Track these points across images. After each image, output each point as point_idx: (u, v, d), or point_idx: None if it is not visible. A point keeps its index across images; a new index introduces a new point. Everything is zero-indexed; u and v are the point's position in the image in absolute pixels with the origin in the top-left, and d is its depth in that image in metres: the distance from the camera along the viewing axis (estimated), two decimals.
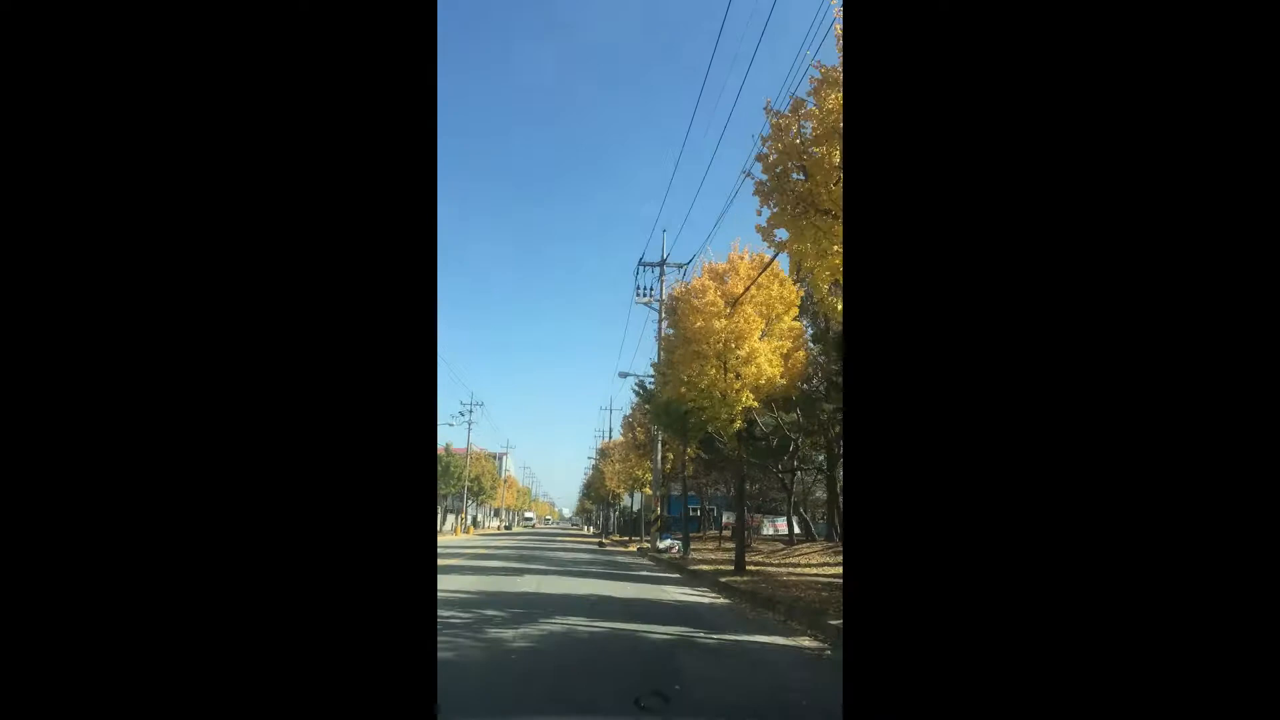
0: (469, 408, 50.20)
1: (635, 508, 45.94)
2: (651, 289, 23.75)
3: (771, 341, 11.63)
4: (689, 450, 17.96)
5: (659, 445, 22.83)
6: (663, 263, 23.63)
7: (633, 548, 27.13)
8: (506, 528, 73.18)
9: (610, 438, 46.47)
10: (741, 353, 11.51)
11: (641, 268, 23.71)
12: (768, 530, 23.43)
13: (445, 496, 46.75)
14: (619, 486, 42.10)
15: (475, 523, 64.29)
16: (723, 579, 11.34)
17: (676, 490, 36.93)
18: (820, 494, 22.67)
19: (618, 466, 42.23)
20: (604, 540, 29.33)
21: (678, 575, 13.69)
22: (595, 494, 54.84)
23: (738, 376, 11.64)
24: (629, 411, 24.49)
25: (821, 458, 19.81)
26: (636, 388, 18.82)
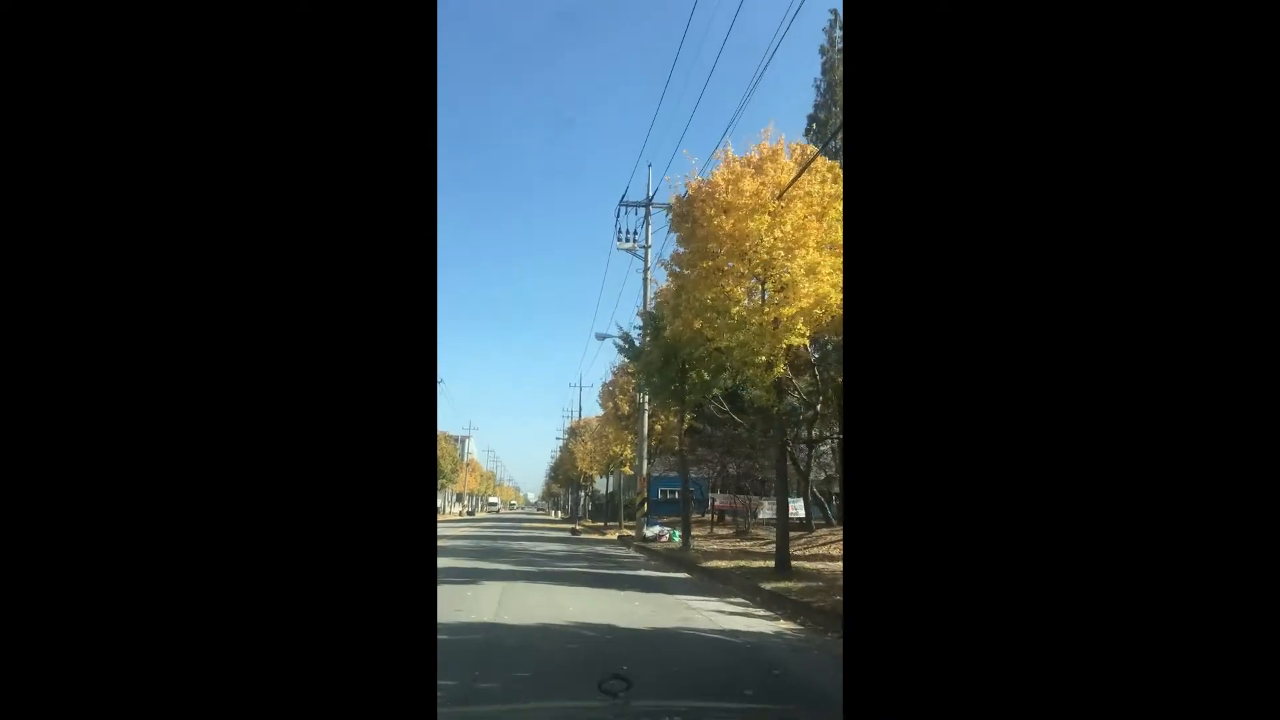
0: None
1: (609, 490, 42.86)
2: (635, 233, 20.14)
3: (834, 255, 8.05)
4: (683, 418, 14.46)
5: (645, 415, 19.29)
6: (648, 201, 20.02)
7: (611, 535, 23.67)
8: (469, 513, 69.27)
9: (581, 416, 42.95)
10: (797, 264, 7.94)
11: (624, 209, 20.06)
12: (765, 514, 20.20)
13: None
14: (592, 467, 38.64)
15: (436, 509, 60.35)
16: (765, 584, 7.96)
17: (658, 470, 33.57)
18: (823, 473, 19.52)
19: (590, 446, 38.75)
20: (577, 527, 25.81)
21: (687, 575, 10.28)
22: (564, 476, 51.26)
23: (787, 301, 8.07)
24: (609, 378, 20.89)
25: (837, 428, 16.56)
26: (621, 341, 15.21)
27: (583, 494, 49.24)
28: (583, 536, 23.49)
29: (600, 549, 16.98)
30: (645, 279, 19.54)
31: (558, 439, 59.00)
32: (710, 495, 28.87)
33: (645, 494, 19.66)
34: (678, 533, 18.40)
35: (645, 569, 11.50)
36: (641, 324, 15.14)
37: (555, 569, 10.85)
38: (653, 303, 15.70)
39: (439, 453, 50.66)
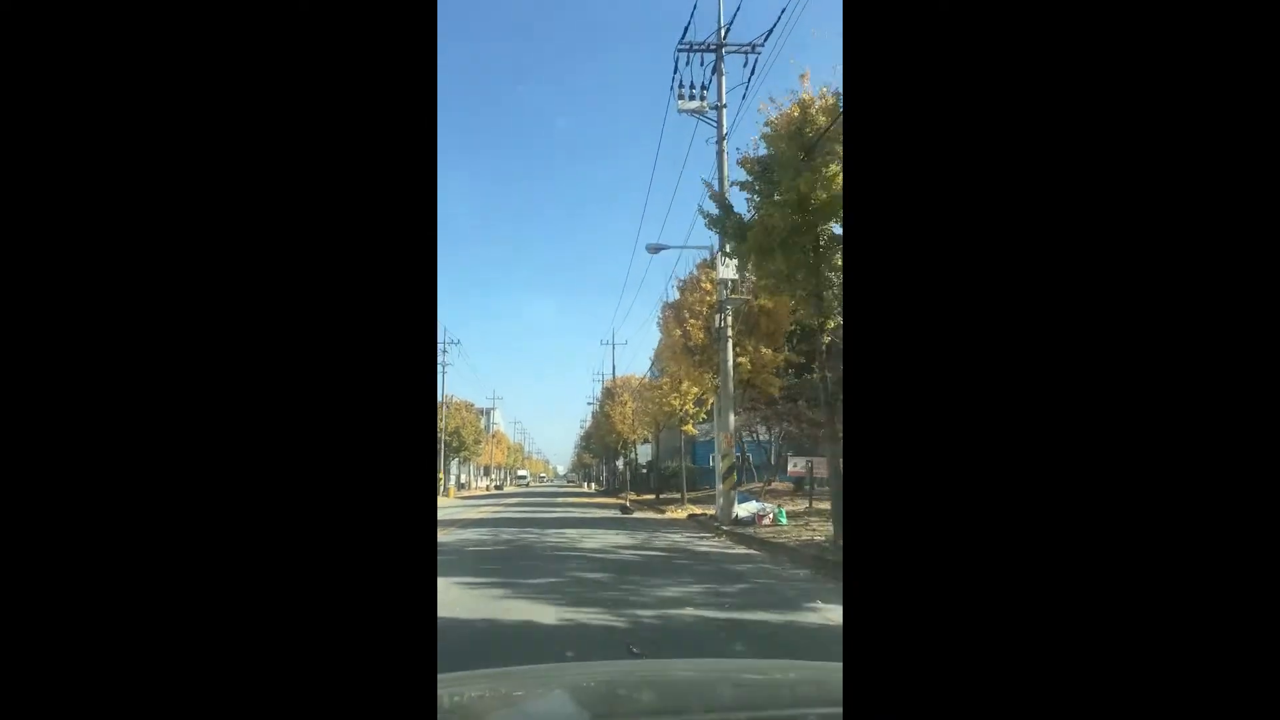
0: (442, 346, 40.47)
1: (652, 457, 37.44)
2: (704, 87, 14.05)
3: None
4: (822, 327, 8.46)
5: (729, 345, 13.35)
6: (721, 43, 13.92)
7: (676, 513, 18.03)
8: (497, 487, 64.26)
9: (615, 375, 37.25)
10: None
11: (686, 54, 13.97)
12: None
13: None
14: (634, 431, 33.10)
15: (460, 483, 55.41)
16: None
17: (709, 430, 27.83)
18: None
19: (630, 407, 33.13)
20: (627, 503, 20.14)
21: None
22: (599, 444, 45.79)
23: None
24: (670, 299, 14.89)
25: None
26: (713, 208, 9.20)
27: (621, 463, 43.76)
28: (638, 516, 17.81)
29: (677, 538, 11.27)
30: (721, 150, 13.51)
31: (589, 404, 53.48)
32: (778, 458, 23.41)
33: (732, 456, 13.74)
34: (784, 511, 12.64)
35: (825, 600, 5.68)
36: (717, 211, 9.20)
37: (660, 615, 5.07)
38: (732, 190, 9.77)
39: (460, 423, 45.51)
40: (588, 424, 65.07)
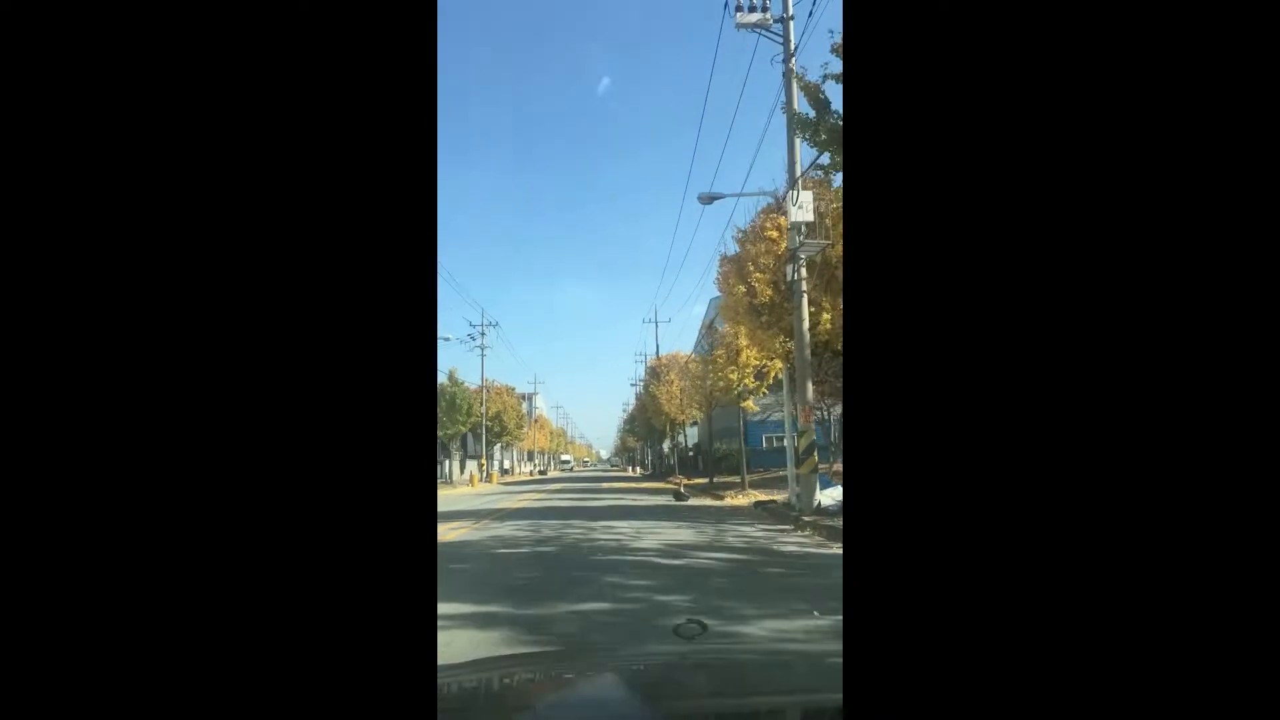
0: (479, 329, 38.91)
1: (698, 438, 35.48)
2: (765, 4, 11.81)
3: None
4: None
5: (803, 300, 11.17)
6: None
7: (736, 499, 16.04)
8: (541, 473, 63.11)
9: (659, 354, 35.23)
10: None
11: None
12: None
13: (451, 438, 36.02)
14: (682, 411, 31.12)
15: (504, 469, 54.25)
16: None
17: (772, 406, 25.58)
18: None
19: (677, 386, 31.13)
20: (681, 488, 18.15)
21: None
22: (644, 427, 43.94)
23: None
24: (729, 252, 12.71)
25: None
26: (800, 125, 7.04)
27: (666, 445, 41.83)
28: (694, 504, 15.84)
29: (752, 533, 9.25)
30: (789, 72, 11.28)
31: (632, 385, 51.61)
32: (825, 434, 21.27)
33: (812, 433, 11.62)
34: None
35: None
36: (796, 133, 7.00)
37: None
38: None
39: (502, 407, 44.15)
40: (630, 407, 63.48)
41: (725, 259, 12.67)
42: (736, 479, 24.75)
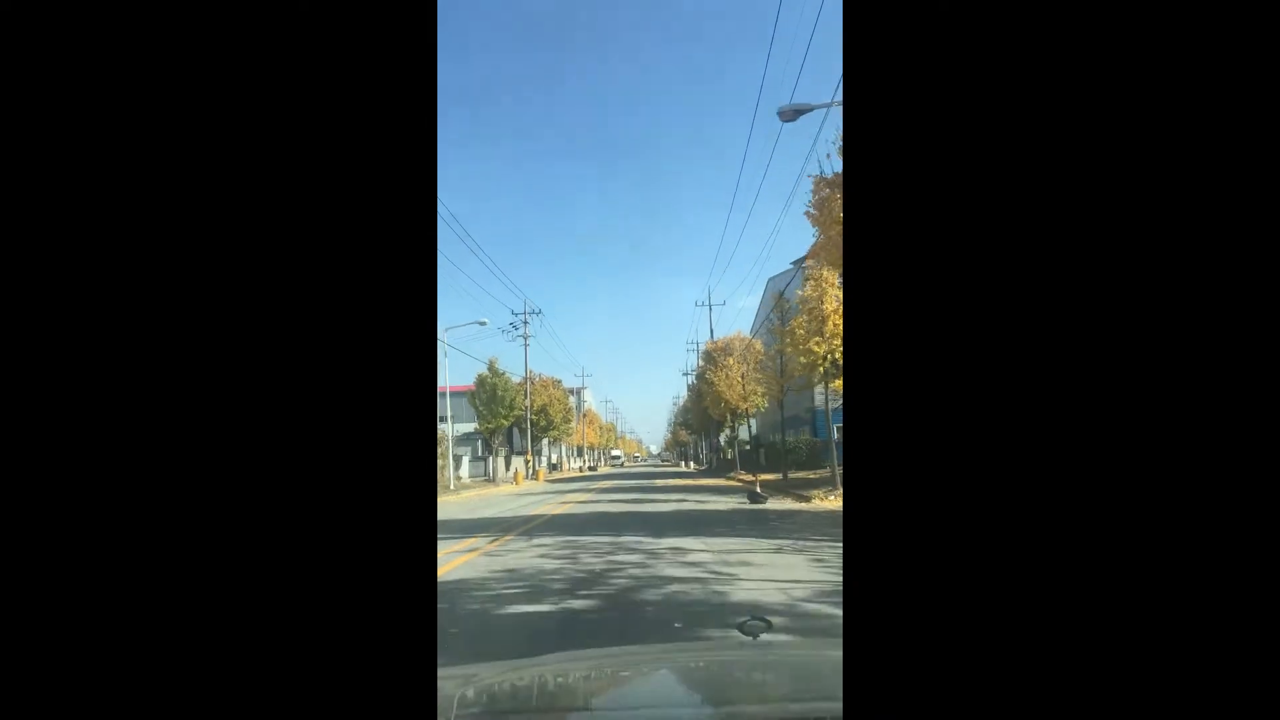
0: (521, 316, 36.22)
1: (757, 430, 32.13)
2: None
3: None
4: None
5: None
6: None
7: (833, 502, 12.77)
8: (590, 468, 60.44)
9: (714, 337, 31.99)
10: None
11: None
12: None
13: (495, 432, 33.38)
14: (746, 399, 27.93)
15: (553, 464, 51.77)
16: None
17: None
18: None
19: (737, 371, 27.91)
20: (757, 487, 14.90)
21: None
22: (699, 419, 40.75)
23: None
24: (829, 171, 9.48)
25: None
26: None
27: (723, 437, 38.56)
28: (775, 508, 12.63)
29: None
30: None
31: (684, 374, 48.39)
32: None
33: None
34: None
35: None
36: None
37: None
38: None
39: (547, 400, 41.50)
40: (681, 399, 60.48)
41: (822, 181, 9.39)
42: (812, 474, 21.51)
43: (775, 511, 11.76)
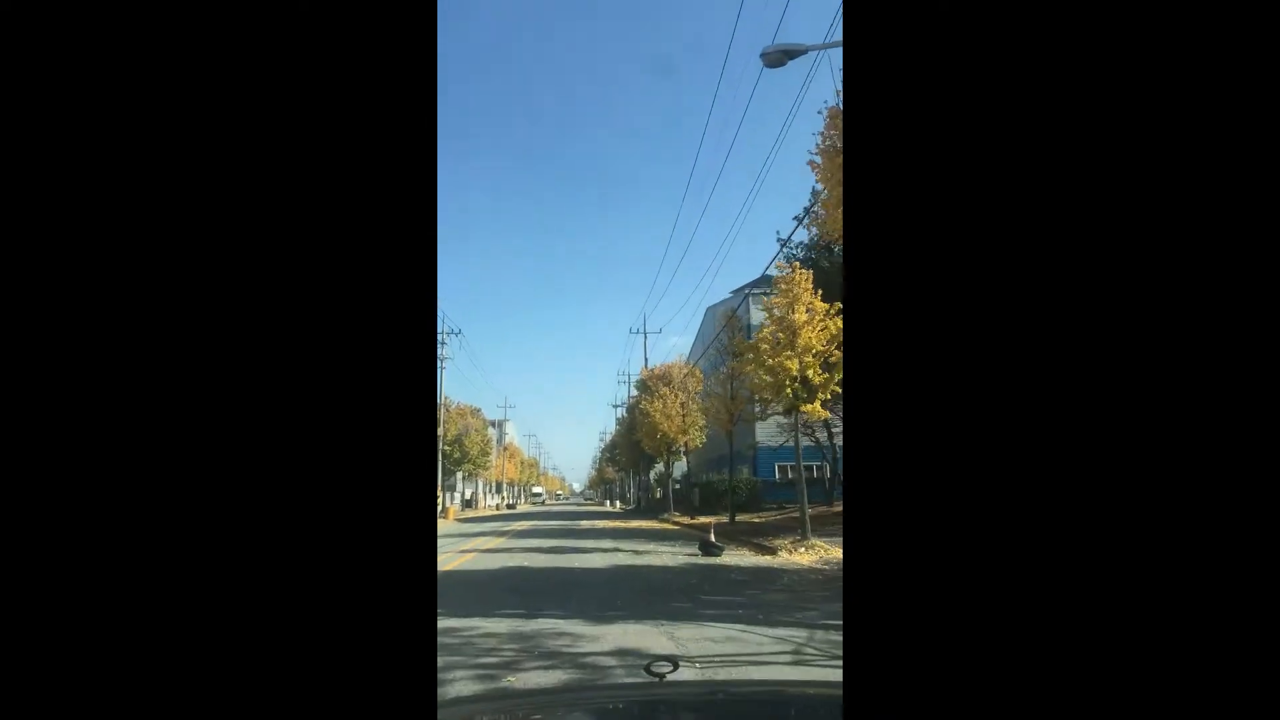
0: (441, 338, 32.68)
1: (683, 471, 29.32)
2: None
3: None
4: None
5: None
6: None
7: (803, 557, 10.08)
8: (509, 506, 56.20)
9: (649, 364, 29.36)
10: None
11: None
12: None
13: None
14: (686, 430, 25.23)
15: (467, 501, 47.53)
16: None
17: (766, 433, 19.62)
18: None
19: (675, 401, 25.26)
20: (711, 535, 12.09)
21: None
22: (627, 455, 37.83)
23: None
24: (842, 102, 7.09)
25: None
26: None
27: (654, 475, 35.71)
28: (736, 563, 9.87)
29: None
30: None
31: (615, 406, 45.46)
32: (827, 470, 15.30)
33: None
34: None
35: None
36: None
37: None
38: None
39: (462, 429, 37.76)
40: (609, 434, 57.43)
41: (834, 115, 6.87)
42: (756, 518, 18.95)
43: (740, 570, 9.00)
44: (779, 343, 11.63)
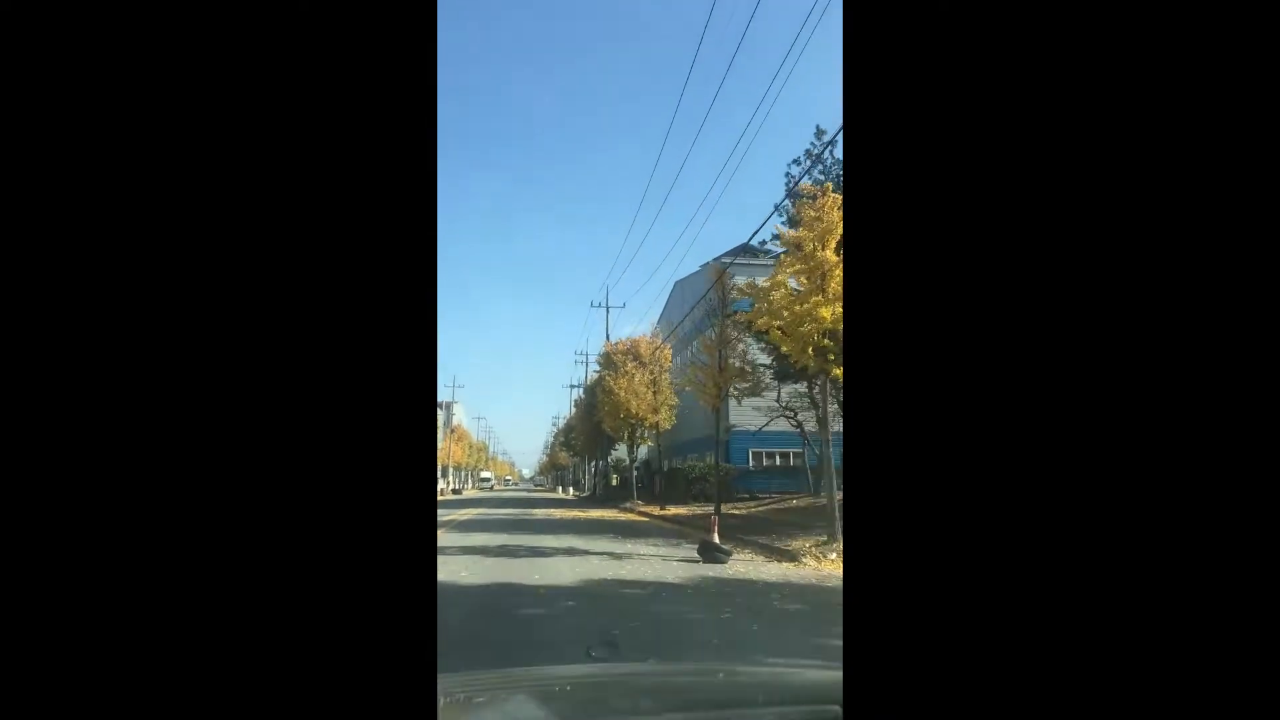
0: None
1: (644, 457, 26.70)
2: None
3: None
4: None
5: None
6: None
7: (834, 566, 7.60)
8: (455, 491, 52.74)
9: (611, 338, 26.49)
10: None
11: None
12: None
13: None
14: (658, 409, 22.49)
15: None
16: None
17: (746, 416, 17.03)
18: None
19: (642, 378, 22.48)
20: (713, 531, 9.45)
21: None
22: (587, 437, 34.93)
23: None
24: None
25: None
26: None
27: (613, 458, 32.95)
28: (756, 575, 7.15)
29: None
30: None
31: (573, 387, 42.47)
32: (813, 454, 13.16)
33: None
34: None
35: None
36: None
37: None
38: None
39: None
40: (561, 421, 54.26)
41: None
42: (739, 509, 16.35)
43: (771, 586, 6.29)
44: (809, 287, 8.88)
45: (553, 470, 75.68)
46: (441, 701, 1.04)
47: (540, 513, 20.25)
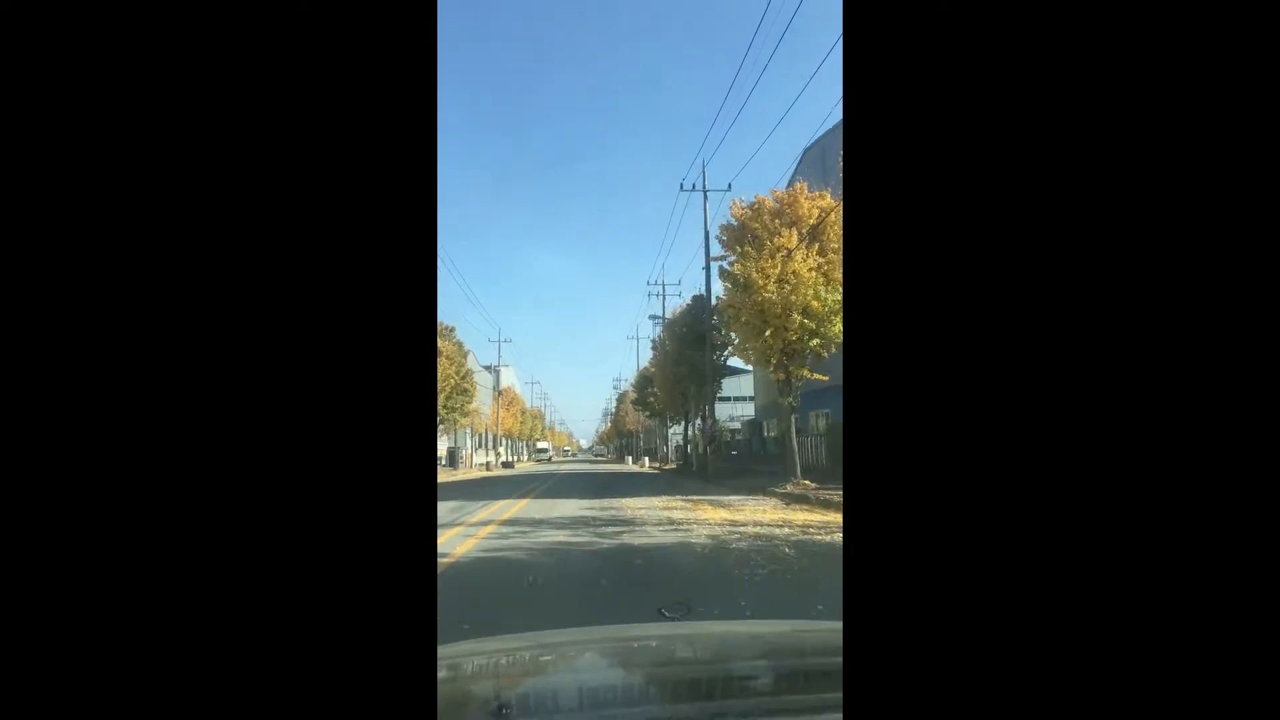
0: None
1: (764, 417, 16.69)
2: None
3: None
4: None
5: None
6: None
7: None
8: (505, 465, 43.52)
9: (709, 231, 16.13)
10: None
11: None
12: None
13: None
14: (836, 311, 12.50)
15: (448, 459, 34.91)
16: None
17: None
18: None
19: (804, 261, 12.00)
20: None
21: None
22: (670, 391, 24.72)
23: None
24: None
25: None
26: None
27: (695, 426, 22.83)
28: None
29: None
30: None
31: (653, 319, 32.22)
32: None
33: None
34: None
35: None
36: None
37: None
38: None
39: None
40: (625, 383, 44.73)
41: None
42: None
43: None
44: None
45: (616, 438, 66.24)
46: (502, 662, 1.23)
47: (635, 504, 10.14)
